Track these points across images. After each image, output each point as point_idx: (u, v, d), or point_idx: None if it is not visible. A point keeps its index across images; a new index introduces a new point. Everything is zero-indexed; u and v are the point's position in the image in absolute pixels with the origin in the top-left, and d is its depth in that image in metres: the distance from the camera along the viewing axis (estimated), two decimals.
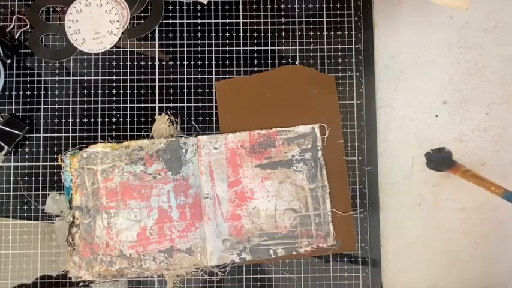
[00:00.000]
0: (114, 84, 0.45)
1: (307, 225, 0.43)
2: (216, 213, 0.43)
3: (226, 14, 0.46)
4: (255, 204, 0.43)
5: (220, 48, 0.45)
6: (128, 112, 0.45)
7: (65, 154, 0.43)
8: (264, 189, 0.43)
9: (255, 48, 0.45)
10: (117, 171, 0.43)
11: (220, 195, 0.43)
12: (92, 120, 0.45)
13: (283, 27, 0.46)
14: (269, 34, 0.46)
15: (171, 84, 0.45)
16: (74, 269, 0.42)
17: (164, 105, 0.45)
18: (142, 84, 0.45)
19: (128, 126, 0.45)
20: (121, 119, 0.45)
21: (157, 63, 0.45)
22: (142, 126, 0.45)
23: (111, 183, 0.43)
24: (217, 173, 0.43)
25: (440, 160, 0.44)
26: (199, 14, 0.46)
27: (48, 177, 0.44)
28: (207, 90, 0.45)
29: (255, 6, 0.46)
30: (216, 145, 0.43)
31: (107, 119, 0.45)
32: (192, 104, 0.45)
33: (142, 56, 0.45)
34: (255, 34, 0.46)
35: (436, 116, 0.46)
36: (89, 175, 0.43)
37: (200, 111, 0.45)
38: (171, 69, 0.45)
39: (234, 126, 0.44)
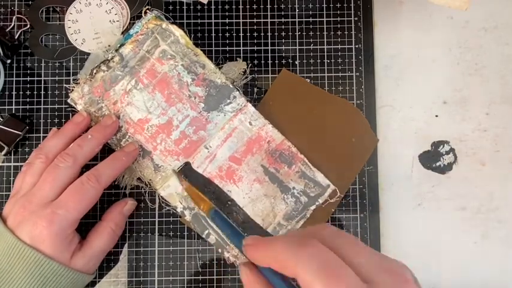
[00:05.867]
0: None
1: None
2: (201, 165, 0.43)
3: (226, 14, 0.46)
4: (232, 189, 0.43)
5: (220, 48, 0.45)
6: None
7: (151, 11, 0.43)
8: (249, 187, 0.43)
9: (255, 48, 0.45)
10: (171, 62, 0.43)
11: (218, 157, 0.43)
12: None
13: (283, 27, 0.46)
14: (269, 34, 0.46)
15: None
16: (76, 94, 0.43)
17: None
18: None
19: None
20: None
21: None
22: None
23: (159, 66, 0.43)
24: (232, 141, 0.43)
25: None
26: (199, 14, 0.46)
27: None
28: None
29: (255, 6, 0.46)
30: (254, 122, 0.43)
31: None
32: None
33: None
34: (255, 34, 0.46)
35: (436, 116, 0.46)
36: (152, 43, 0.43)
37: None
38: None
39: (269, 115, 0.44)
